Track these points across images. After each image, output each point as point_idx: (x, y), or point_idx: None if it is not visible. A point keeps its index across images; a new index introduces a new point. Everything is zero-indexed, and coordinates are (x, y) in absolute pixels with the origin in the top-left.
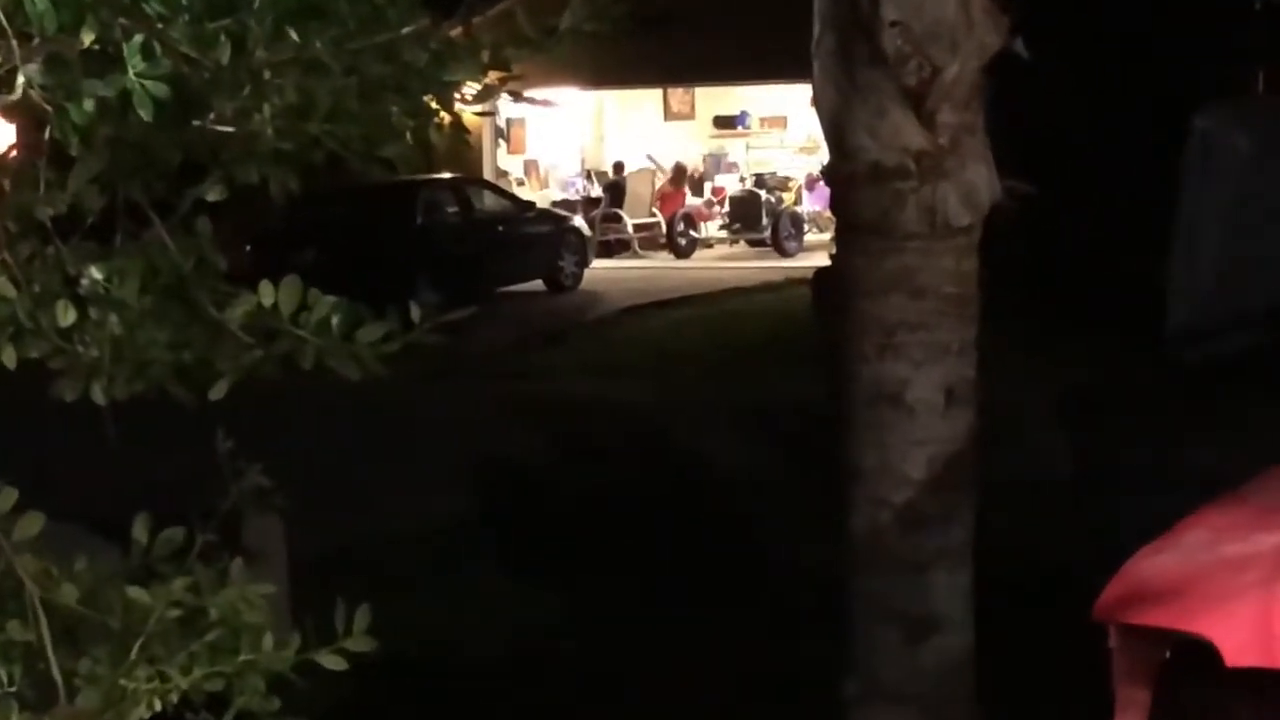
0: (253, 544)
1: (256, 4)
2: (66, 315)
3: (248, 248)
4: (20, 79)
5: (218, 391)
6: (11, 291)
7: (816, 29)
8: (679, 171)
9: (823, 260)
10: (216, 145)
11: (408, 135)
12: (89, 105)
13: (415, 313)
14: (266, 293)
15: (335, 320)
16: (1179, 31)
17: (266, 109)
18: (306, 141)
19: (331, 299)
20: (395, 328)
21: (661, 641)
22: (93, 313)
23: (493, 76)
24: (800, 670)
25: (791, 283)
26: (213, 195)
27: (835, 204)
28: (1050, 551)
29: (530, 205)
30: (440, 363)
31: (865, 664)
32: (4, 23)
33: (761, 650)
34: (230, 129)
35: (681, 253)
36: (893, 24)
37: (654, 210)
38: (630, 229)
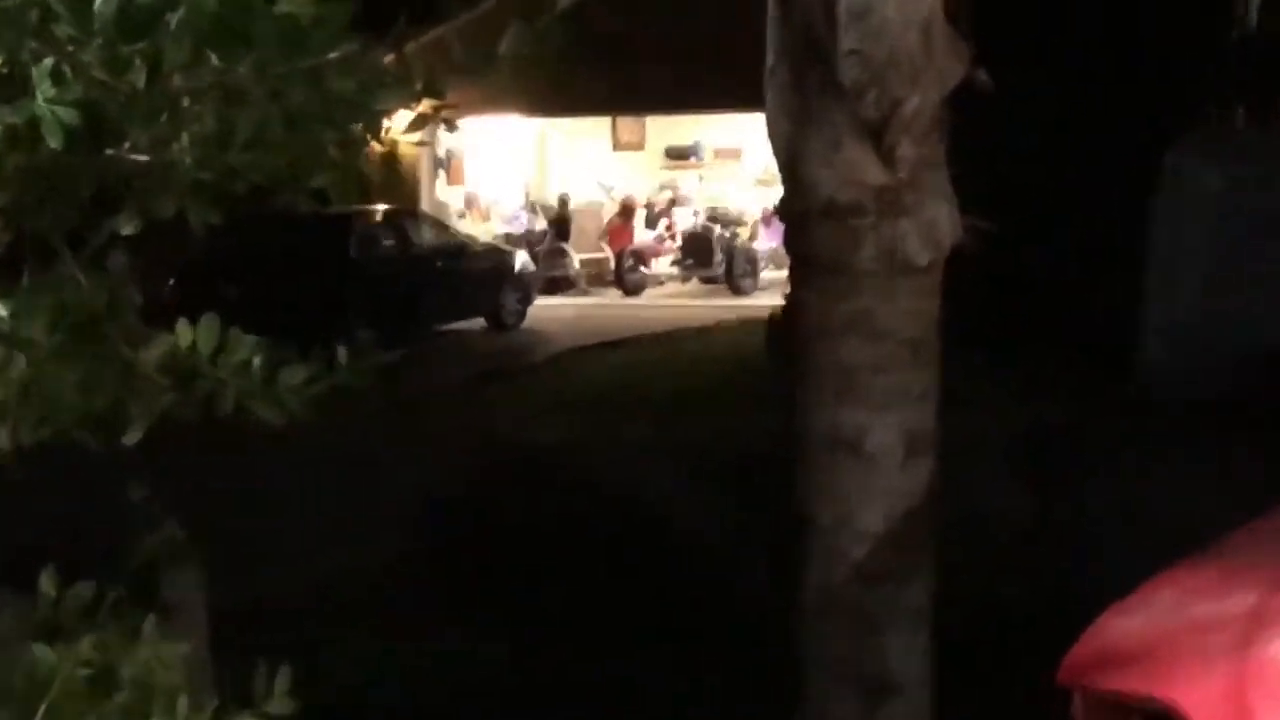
0: (170, 598)
1: (173, 26)
2: None
3: (169, 283)
4: None
5: (131, 437)
6: None
7: (770, 57)
8: (626, 205)
9: (779, 300)
10: (131, 175)
11: (336, 166)
12: None
13: (341, 353)
14: (184, 332)
15: (256, 361)
16: (1153, 61)
17: (184, 137)
18: (226, 172)
19: (252, 339)
20: (321, 369)
21: (599, 698)
22: None
23: (426, 105)
24: None
25: (746, 323)
26: (127, 228)
27: (789, 241)
28: (1013, 607)
29: (471, 239)
30: (374, 405)
31: None
32: None
33: (708, 711)
34: (145, 158)
35: (631, 290)
36: (850, 52)
37: (602, 245)
38: (576, 265)
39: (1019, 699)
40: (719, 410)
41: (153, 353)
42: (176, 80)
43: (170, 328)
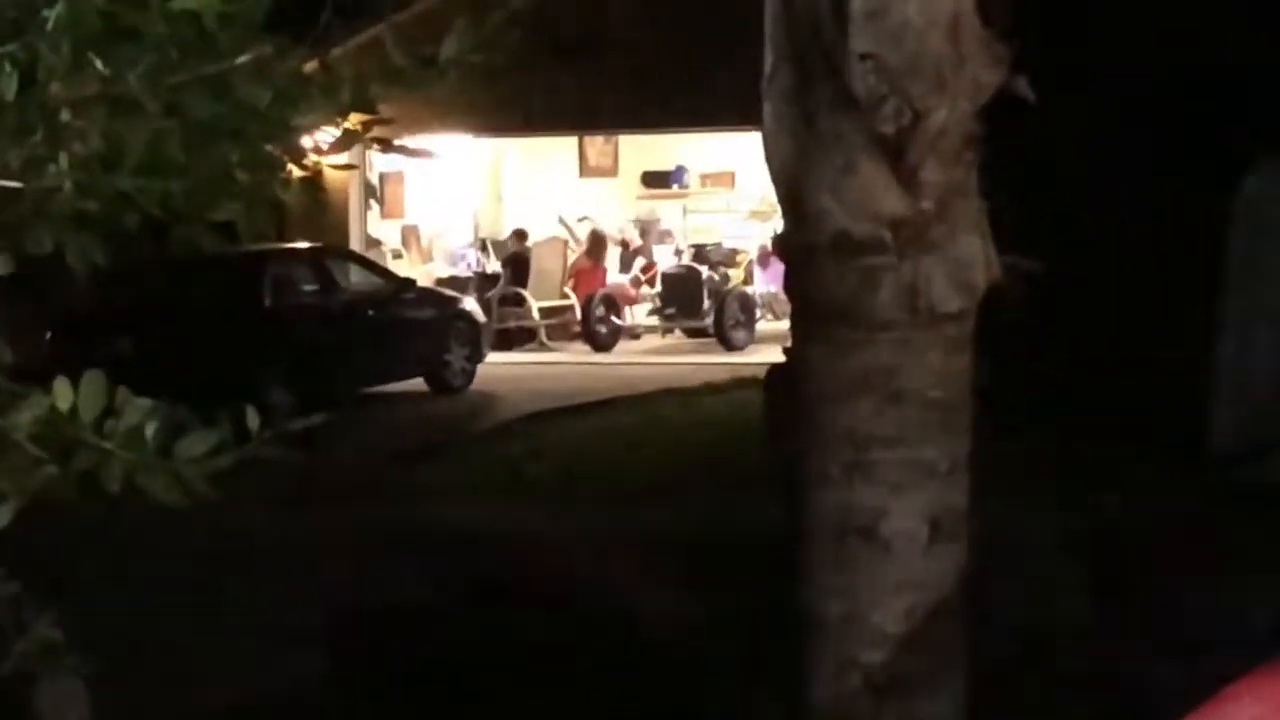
0: (46, 716)
1: (50, 25)
2: None
3: (46, 335)
4: None
5: (0, 518)
6: None
7: (769, 63)
8: (595, 242)
9: (778, 355)
10: (1, 205)
11: (247, 193)
12: None
13: (253, 419)
14: (63, 394)
15: (151, 428)
16: (1229, 70)
17: (64, 158)
18: (114, 200)
19: (145, 401)
20: (228, 438)
21: None
22: None
23: (356, 120)
24: None
25: (739, 384)
26: None
27: (791, 284)
28: None
29: (409, 283)
30: (290, 484)
31: None
32: None
33: None
34: (18, 184)
35: (601, 345)
36: (863, 57)
37: (566, 291)
38: (536, 314)
39: None
40: (705, 492)
41: (25, 417)
42: (54, 89)
43: (47, 388)
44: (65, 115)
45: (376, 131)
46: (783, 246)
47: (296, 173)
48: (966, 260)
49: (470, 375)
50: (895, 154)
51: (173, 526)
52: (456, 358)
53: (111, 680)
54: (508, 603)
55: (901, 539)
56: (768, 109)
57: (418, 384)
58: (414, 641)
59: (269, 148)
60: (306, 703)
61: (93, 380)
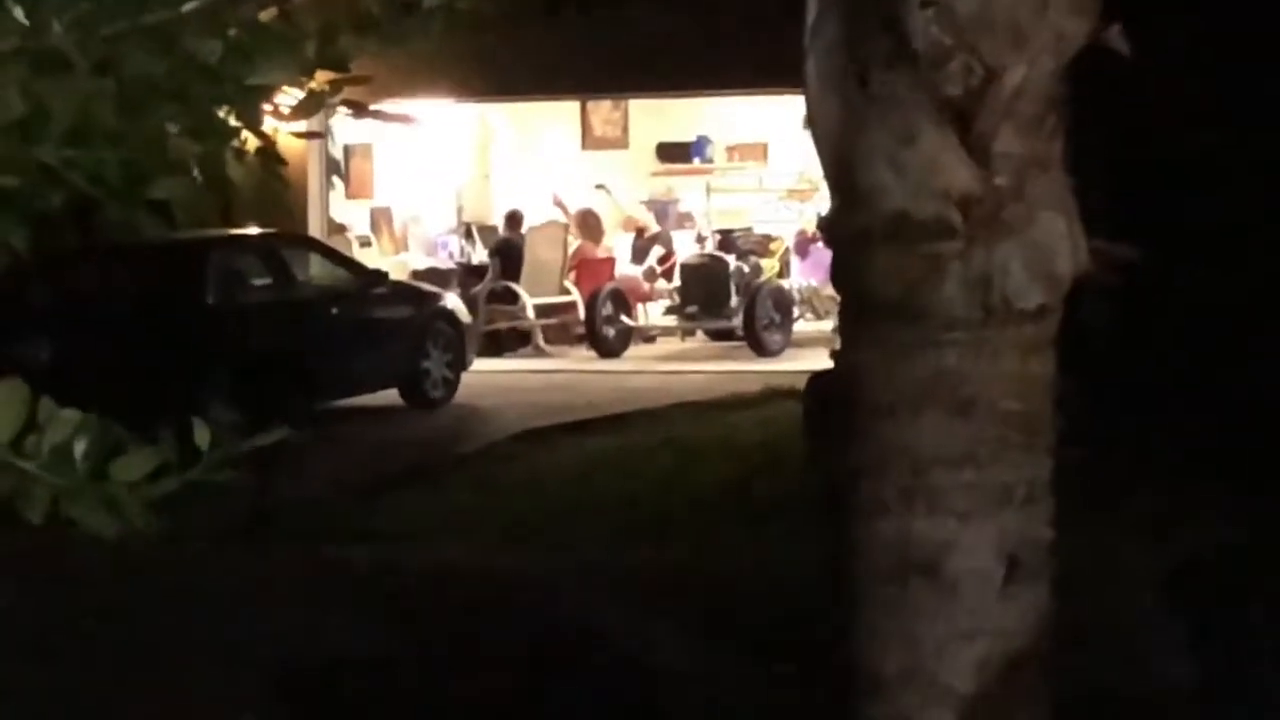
0: None
1: None
2: None
3: None
4: None
5: None
6: None
7: (812, 11)
8: (588, 221)
9: (821, 361)
10: None
11: (192, 166)
12: None
13: (202, 436)
14: None
15: (80, 447)
16: None
17: None
18: (36, 174)
19: (75, 414)
20: (170, 459)
21: None
22: None
23: (321, 79)
24: None
25: (774, 395)
26: None
27: (839, 275)
28: None
29: (380, 276)
30: (239, 515)
31: None
32: None
33: None
34: None
35: (608, 349)
36: (925, 4)
37: (567, 285)
38: (531, 313)
39: None
40: (733, 527)
41: None
42: None
43: None
44: None
45: (347, 93)
46: (829, 231)
47: (251, 142)
48: (1049, 246)
49: (452, 386)
50: (963, 120)
51: (103, 564)
52: (436, 365)
53: None
54: (479, 661)
55: (971, 578)
56: (811, 67)
57: (390, 395)
58: (368, 701)
59: (219, 112)
60: None
61: (11, 390)
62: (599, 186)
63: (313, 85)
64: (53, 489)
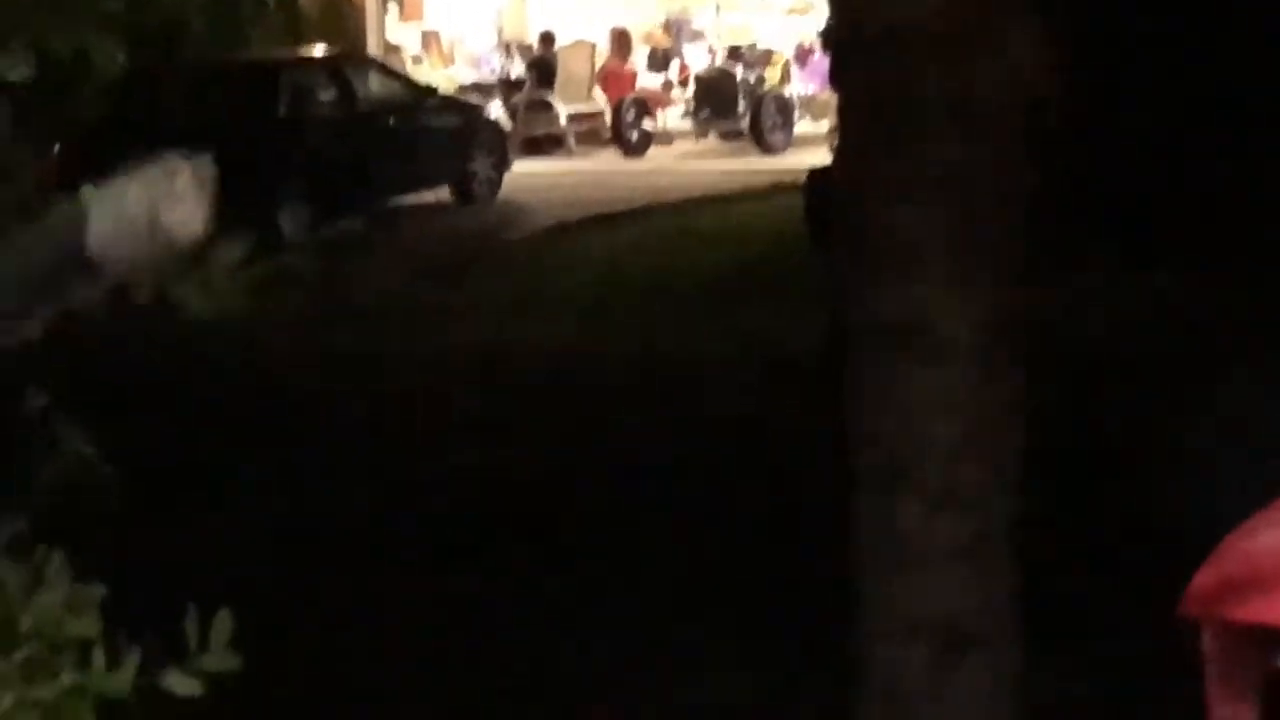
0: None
1: None
2: None
3: (56, 149)
4: None
5: (28, 330)
6: None
7: None
8: (620, 41)
9: (820, 157)
10: (19, 3)
11: None
12: None
13: (289, 225)
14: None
15: None
16: None
17: None
18: None
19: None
20: (258, 250)
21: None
22: None
23: None
24: None
25: (778, 189)
26: (14, 74)
27: (836, 76)
28: (1123, 532)
29: (431, 90)
30: (307, 303)
31: (882, 689)
32: None
33: (760, 682)
34: None
35: (632, 150)
36: None
37: (595, 95)
38: (564, 120)
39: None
40: (747, 302)
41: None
42: None
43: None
44: None
45: None
46: (826, 39)
47: None
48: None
49: (496, 185)
50: None
51: (203, 346)
52: (481, 167)
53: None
54: (541, 416)
55: (958, 343)
56: None
57: (441, 194)
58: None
59: None
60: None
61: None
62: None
63: None
64: (158, 272)
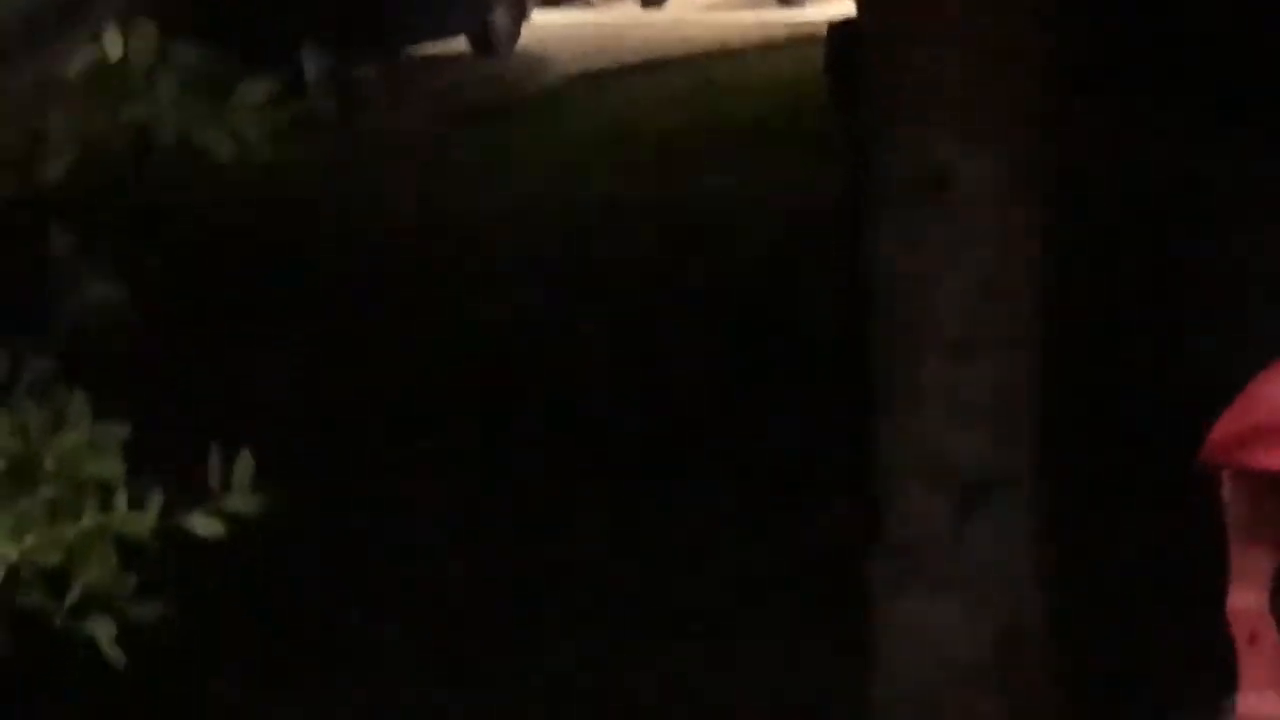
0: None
1: None
2: None
3: None
4: None
5: (50, 171)
6: None
7: None
8: None
9: (842, 9)
10: None
11: None
12: None
13: (311, 68)
14: (113, 42)
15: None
16: None
17: None
18: None
19: (192, 50)
20: (281, 91)
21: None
22: None
23: None
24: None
25: (799, 41)
26: None
27: None
28: (1149, 380)
29: None
30: (322, 145)
31: (899, 535)
32: None
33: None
34: None
35: (651, 1)
36: None
37: None
38: None
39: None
40: (767, 152)
41: (77, 64)
42: None
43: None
44: None
45: None
46: None
47: None
48: None
49: (514, 35)
50: None
51: (228, 190)
52: (500, 16)
53: None
54: (558, 273)
55: (982, 189)
56: None
57: (459, 43)
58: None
59: None
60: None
61: (142, 27)
62: None
63: None
64: (181, 117)
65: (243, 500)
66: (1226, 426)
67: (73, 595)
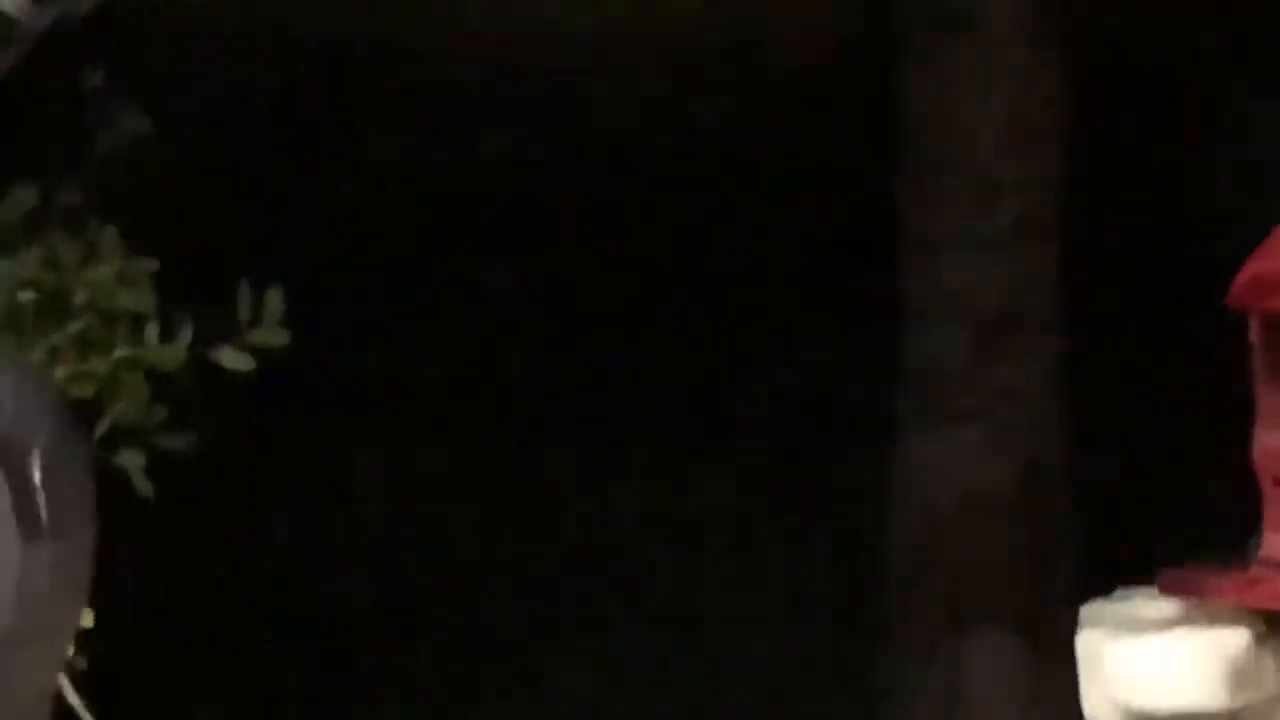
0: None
1: None
2: None
3: None
4: None
5: (83, 7)
6: None
7: None
8: None
9: None
10: None
11: None
12: None
13: None
14: None
15: None
16: None
17: None
18: None
19: None
20: None
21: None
22: None
23: None
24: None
25: None
26: None
27: None
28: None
29: None
30: None
31: (920, 377)
32: None
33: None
34: None
35: None
36: None
37: None
38: None
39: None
40: None
41: None
42: None
43: None
44: None
45: None
46: None
47: None
48: None
49: None
50: None
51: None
52: None
53: None
54: None
55: (1000, 27)
56: None
57: None
58: None
59: None
60: None
61: None
62: None
63: None
64: None
65: (272, 335)
66: (1253, 269)
67: (103, 426)
